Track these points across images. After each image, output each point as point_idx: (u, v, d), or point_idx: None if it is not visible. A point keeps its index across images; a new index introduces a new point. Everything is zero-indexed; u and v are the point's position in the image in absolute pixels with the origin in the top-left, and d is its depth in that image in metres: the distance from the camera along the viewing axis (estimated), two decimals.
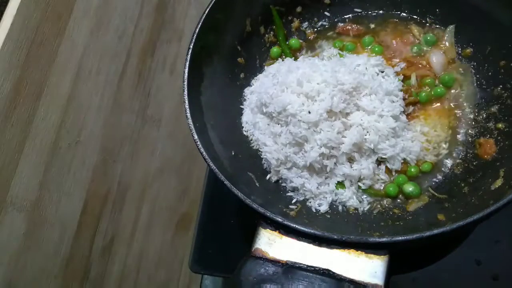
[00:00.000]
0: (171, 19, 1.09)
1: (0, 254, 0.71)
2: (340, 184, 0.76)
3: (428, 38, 0.85)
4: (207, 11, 0.78)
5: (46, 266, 0.79)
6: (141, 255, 1.03)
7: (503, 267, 0.77)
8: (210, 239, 0.87)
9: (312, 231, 0.62)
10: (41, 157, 0.77)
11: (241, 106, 0.85)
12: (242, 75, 0.87)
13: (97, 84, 0.88)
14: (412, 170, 0.77)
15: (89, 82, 0.86)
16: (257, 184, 0.76)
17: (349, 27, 0.90)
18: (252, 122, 0.82)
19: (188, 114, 0.72)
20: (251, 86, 0.87)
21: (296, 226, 0.63)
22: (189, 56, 0.75)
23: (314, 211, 0.76)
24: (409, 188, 0.75)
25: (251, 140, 0.82)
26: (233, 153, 0.77)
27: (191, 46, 0.76)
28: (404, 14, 0.89)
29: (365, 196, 0.77)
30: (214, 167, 0.68)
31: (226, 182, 0.66)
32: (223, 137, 0.77)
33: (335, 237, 0.61)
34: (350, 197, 0.76)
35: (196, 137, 0.70)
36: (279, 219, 0.63)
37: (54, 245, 0.80)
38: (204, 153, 0.69)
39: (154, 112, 1.05)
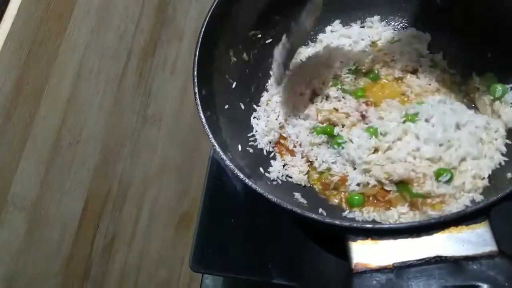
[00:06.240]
0: (171, 19, 1.09)
1: (0, 253, 0.71)
2: None
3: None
4: (197, 52, 0.77)
5: (46, 265, 0.79)
6: (141, 254, 1.03)
7: None
8: (210, 238, 0.87)
9: (409, 224, 0.60)
10: (42, 156, 0.77)
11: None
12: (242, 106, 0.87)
13: (98, 83, 0.88)
14: None
15: (90, 81, 0.86)
16: (305, 203, 0.75)
17: None
18: None
19: (218, 148, 0.69)
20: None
21: (392, 226, 0.61)
22: (197, 99, 0.74)
23: None
24: None
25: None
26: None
27: (196, 90, 0.74)
28: None
29: None
30: (285, 204, 0.63)
31: (298, 210, 0.62)
32: (249, 163, 0.76)
33: (433, 220, 0.59)
34: None
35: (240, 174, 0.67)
36: (369, 226, 0.61)
37: (54, 244, 0.81)
38: (256, 189, 0.65)
39: (155, 112, 1.05)
